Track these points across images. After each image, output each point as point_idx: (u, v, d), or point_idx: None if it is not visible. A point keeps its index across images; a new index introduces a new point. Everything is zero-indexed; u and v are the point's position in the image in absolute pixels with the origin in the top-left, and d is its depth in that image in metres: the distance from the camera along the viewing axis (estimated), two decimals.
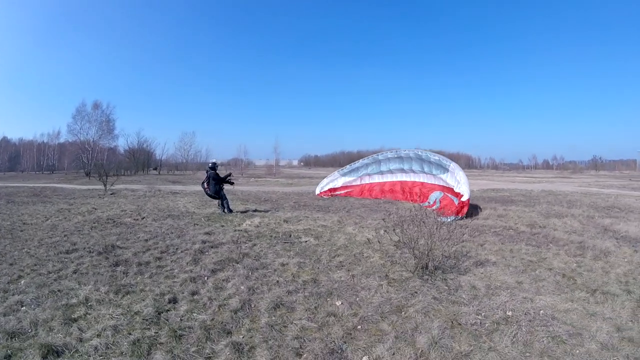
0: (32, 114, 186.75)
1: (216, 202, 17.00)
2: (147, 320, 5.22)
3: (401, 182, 23.27)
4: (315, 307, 5.75)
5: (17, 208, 18.90)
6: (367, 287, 6.63)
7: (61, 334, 4.82)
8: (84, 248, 9.59)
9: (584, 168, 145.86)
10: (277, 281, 6.92)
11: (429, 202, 19.74)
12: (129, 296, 6.16)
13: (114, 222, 13.82)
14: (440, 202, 18.86)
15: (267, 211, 16.97)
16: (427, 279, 7.07)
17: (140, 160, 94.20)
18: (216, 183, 16.51)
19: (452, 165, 19.42)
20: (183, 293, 6.26)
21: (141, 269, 7.74)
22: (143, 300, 5.94)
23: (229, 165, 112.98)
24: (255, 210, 16.97)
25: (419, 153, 21.88)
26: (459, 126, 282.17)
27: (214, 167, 17.15)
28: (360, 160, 25.17)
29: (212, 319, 5.27)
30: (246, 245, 9.96)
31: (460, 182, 17.64)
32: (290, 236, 11.24)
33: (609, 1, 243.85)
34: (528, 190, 30.53)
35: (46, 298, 6.11)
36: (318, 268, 7.92)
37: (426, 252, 7.43)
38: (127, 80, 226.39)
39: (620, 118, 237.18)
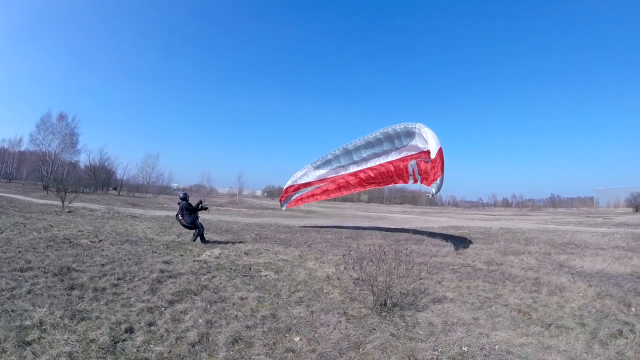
0: None
1: (190, 232, 16.91)
2: (102, 349, 5.17)
3: (377, 168, 22.54)
4: (273, 342, 5.79)
5: None
6: (326, 323, 6.70)
7: (14, 357, 4.75)
8: (39, 267, 9.38)
9: (542, 206, 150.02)
10: (236, 315, 6.91)
11: (412, 177, 20.02)
12: (84, 322, 6.07)
13: (71, 242, 13.54)
14: (418, 172, 19.18)
15: (227, 242, 16.80)
16: (386, 316, 7.20)
17: (101, 179, 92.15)
18: (190, 213, 16.41)
19: (418, 126, 19.10)
20: (140, 323, 6.20)
21: (97, 295, 7.62)
22: (99, 327, 5.86)
23: (192, 191, 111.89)
24: (215, 242, 16.79)
25: (385, 131, 21.11)
26: None
27: (185, 197, 16.92)
28: (331, 152, 23.99)
29: (169, 352, 5.26)
30: (205, 277, 9.87)
31: (427, 136, 17.64)
32: (250, 269, 11.20)
33: (564, 49, 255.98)
34: (487, 228, 31.18)
35: None
36: (277, 303, 7.94)
37: (384, 289, 7.59)
38: (95, 95, 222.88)
39: (578, 157, 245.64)
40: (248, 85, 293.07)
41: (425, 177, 18.43)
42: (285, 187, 25.07)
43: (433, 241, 19.31)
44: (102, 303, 7.14)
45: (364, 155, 22.72)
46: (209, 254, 13.11)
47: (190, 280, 9.28)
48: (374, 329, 6.51)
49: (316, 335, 6.18)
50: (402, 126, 19.91)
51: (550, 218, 59.62)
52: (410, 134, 19.70)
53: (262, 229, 24.22)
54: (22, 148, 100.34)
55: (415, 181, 20.17)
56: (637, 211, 78.15)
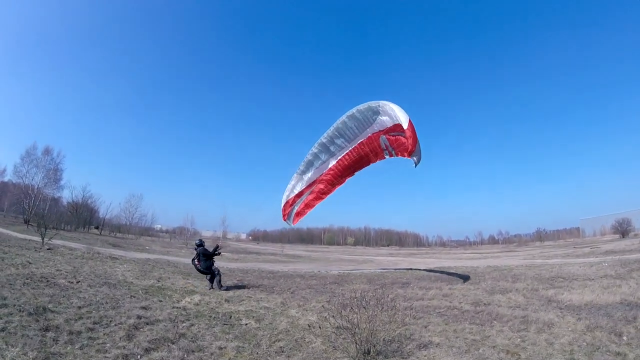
0: None
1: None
2: None
3: (353, 151, 22.23)
4: None
5: None
6: None
7: None
8: (15, 305, 9.16)
9: (528, 240, 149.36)
10: None
11: (386, 151, 20.05)
12: None
13: (48, 281, 13.24)
14: (391, 146, 19.13)
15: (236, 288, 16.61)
16: None
17: (83, 217, 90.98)
18: (207, 259, 16.91)
19: (381, 103, 19.12)
20: None
21: (72, 338, 7.46)
22: None
23: (175, 234, 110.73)
24: (234, 287, 16.54)
25: (350, 114, 20.83)
26: (405, 205, 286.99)
27: (201, 244, 17.71)
28: (310, 152, 23.44)
29: None
30: (184, 324, 9.69)
31: (394, 111, 17.66)
32: (230, 317, 11.02)
33: (540, 76, 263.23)
34: (474, 267, 30.80)
35: None
36: (257, 353, 7.83)
37: (367, 337, 7.48)
38: (80, 132, 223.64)
39: (561, 188, 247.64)
40: (234, 127, 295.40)
41: (400, 150, 18.49)
42: (282, 206, 24.58)
43: (419, 284, 19.17)
44: (76, 347, 7.00)
45: (339, 143, 22.46)
46: (189, 300, 12.93)
47: (168, 328, 9.10)
48: None
49: None
50: (365, 106, 20.01)
51: (538, 252, 59.58)
52: (375, 111, 19.77)
53: (245, 274, 24.03)
54: (6, 179, 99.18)
55: (391, 155, 20.12)
56: (623, 237, 77.35)
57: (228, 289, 16.75)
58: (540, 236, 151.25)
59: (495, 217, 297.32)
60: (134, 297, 12.74)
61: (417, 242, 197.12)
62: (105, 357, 6.67)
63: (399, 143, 18.43)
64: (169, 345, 7.79)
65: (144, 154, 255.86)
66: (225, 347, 8.02)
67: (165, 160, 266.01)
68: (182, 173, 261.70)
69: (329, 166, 23.31)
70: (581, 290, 15.04)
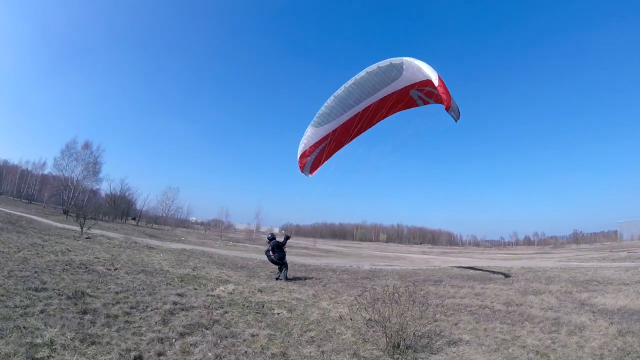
0: (20, 137, 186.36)
1: (273, 268, 18.68)
2: None
3: (375, 105, 20.83)
4: None
5: None
6: None
7: None
8: (54, 289, 9.45)
9: (564, 242, 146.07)
10: (246, 351, 6.82)
11: (419, 101, 19.53)
12: (94, 347, 6.06)
13: (87, 268, 13.59)
14: (425, 96, 18.65)
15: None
16: (398, 358, 7.03)
17: (121, 208, 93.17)
18: (280, 250, 18.52)
19: (404, 59, 17.90)
20: (149, 352, 6.17)
21: (109, 321, 7.61)
22: (108, 353, 5.85)
23: (209, 226, 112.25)
24: (295, 279, 16.71)
25: (372, 70, 19.12)
26: (440, 203, 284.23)
27: (273, 237, 19.20)
28: (323, 106, 21.80)
29: None
30: (218, 311, 9.80)
31: (420, 68, 16.83)
32: (263, 307, 11.08)
33: (585, 74, 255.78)
34: (507, 268, 29.90)
35: (10, 332, 6.05)
36: (288, 341, 7.82)
37: (398, 331, 7.44)
38: (119, 126, 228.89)
39: (599, 190, 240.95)
40: (269, 120, 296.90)
41: (435, 100, 17.94)
42: (298, 157, 23.84)
43: (452, 282, 18.93)
44: (113, 329, 7.14)
45: (357, 96, 20.90)
46: (223, 289, 13.06)
47: (202, 314, 9.20)
48: None
49: None
50: (387, 62, 18.64)
51: (573, 255, 58.18)
52: (398, 68, 18.54)
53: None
54: (46, 171, 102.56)
55: (426, 103, 19.48)
56: None
57: (290, 280, 17.59)
58: (577, 239, 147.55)
59: (531, 219, 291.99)
60: (170, 284, 12.96)
61: (451, 240, 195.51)
62: (141, 339, 6.78)
63: (433, 96, 17.93)
64: (203, 331, 7.87)
65: (182, 147, 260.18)
66: (257, 335, 8.05)
67: (202, 154, 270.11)
68: (218, 166, 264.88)
69: (347, 118, 22.15)
70: (615, 294, 14.57)
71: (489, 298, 14.41)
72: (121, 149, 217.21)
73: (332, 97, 20.95)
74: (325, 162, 23.80)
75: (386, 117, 21.55)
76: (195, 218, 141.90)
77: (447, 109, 15.16)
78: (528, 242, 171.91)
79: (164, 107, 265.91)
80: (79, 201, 71.20)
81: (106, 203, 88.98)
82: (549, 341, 8.50)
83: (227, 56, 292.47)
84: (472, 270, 27.39)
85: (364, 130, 22.32)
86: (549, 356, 7.41)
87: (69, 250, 17.46)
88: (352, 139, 22.38)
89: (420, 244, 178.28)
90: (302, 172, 24.17)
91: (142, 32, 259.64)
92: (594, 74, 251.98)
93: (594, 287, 17.25)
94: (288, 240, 19.59)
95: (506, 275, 22.90)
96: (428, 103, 19.55)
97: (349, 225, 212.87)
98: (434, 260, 44.03)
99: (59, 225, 36.28)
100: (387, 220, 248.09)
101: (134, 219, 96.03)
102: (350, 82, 19.93)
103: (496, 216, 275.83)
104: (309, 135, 22.73)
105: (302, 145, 23.22)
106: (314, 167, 24.07)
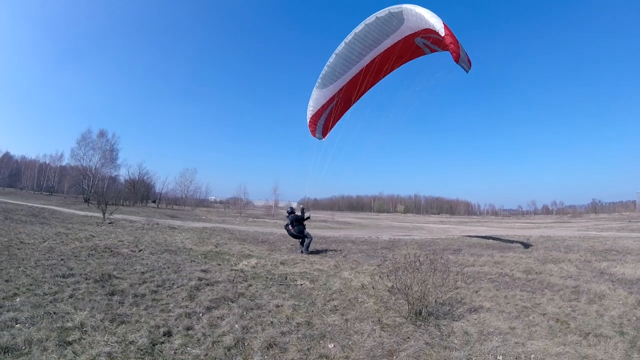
0: (36, 133, 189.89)
1: (293, 241, 18.93)
2: (141, 350, 5.27)
3: (379, 57, 19.65)
4: (307, 348, 5.78)
5: (15, 226, 19.11)
6: (360, 331, 6.64)
7: (55, 355, 4.89)
8: (81, 274, 9.64)
9: (583, 212, 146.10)
10: (271, 322, 6.94)
11: (426, 49, 18.35)
12: (124, 325, 6.20)
13: (111, 251, 13.83)
14: (432, 44, 17.65)
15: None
16: (420, 325, 7.08)
17: (140, 192, 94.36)
18: (299, 224, 18.42)
19: (404, 7, 16.52)
20: (178, 327, 6.29)
21: (137, 301, 7.78)
22: (138, 330, 5.98)
23: (228, 204, 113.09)
24: (318, 251, 16.88)
25: (370, 21, 17.96)
26: (457, 173, 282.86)
27: (292, 211, 19.20)
28: (326, 66, 20.60)
29: (206, 354, 5.32)
30: (242, 285, 9.95)
31: (422, 16, 15.52)
32: (286, 278, 11.22)
33: (607, 45, 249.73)
34: (526, 237, 29.94)
35: (41, 318, 6.21)
36: (312, 311, 7.92)
37: (419, 298, 7.49)
38: (133, 112, 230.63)
39: (618, 160, 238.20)
40: (285, 97, 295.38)
41: (445, 49, 16.07)
42: (308, 122, 23.16)
43: (471, 251, 18.92)
44: (141, 308, 7.29)
45: (359, 50, 19.63)
46: (246, 263, 13.22)
47: (227, 288, 9.36)
48: (409, 338, 6.42)
49: (350, 342, 6.14)
50: (385, 12, 17.38)
51: (592, 224, 57.96)
52: (398, 17, 17.34)
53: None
54: (63, 163, 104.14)
55: (433, 50, 18.29)
56: None
57: (312, 253, 17.59)
58: (595, 208, 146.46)
59: (550, 187, 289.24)
60: (194, 261, 13.17)
61: (469, 210, 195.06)
62: (169, 315, 6.91)
63: (441, 44, 16.58)
64: (229, 304, 8.01)
65: (195, 129, 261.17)
66: (282, 305, 8.16)
67: (216, 134, 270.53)
68: (234, 145, 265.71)
69: (352, 75, 21.04)
70: (634, 264, 14.46)
71: (508, 266, 14.43)
72: (136, 135, 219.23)
73: (333, 56, 20.08)
74: (338, 121, 23.16)
75: (393, 69, 20.65)
76: (214, 197, 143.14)
77: (456, 60, 14.24)
78: (546, 211, 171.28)
79: (174, 92, 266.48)
80: (99, 188, 72.03)
81: (126, 188, 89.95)
82: (569, 309, 8.51)
83: (237, 38, 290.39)
84: (490, 239, 27.31)
85: (371, 86, 21.48)
86: (569, 324, 7.41)
87: (93, 236, 17.76)
88: (360, 96, 21.23)
89: (438, 214, 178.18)
90: (314, 136, 23.49)
91: (145, 18, 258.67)
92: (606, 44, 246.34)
93: (613, 256, 17.25)
94: (307, 214, 19.48)
95: (525, 244, 22.85)
96: (436, 51, 18.54)
97: (366, 198, 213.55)
98: (452, 230, 43.76)
99: (81, 213, 36.83)
100: (405, 191, 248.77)
101: (154, 201, 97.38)
102: (349, 37, 19.02)
103: (514, 185, 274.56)
104: (316, 98, 22.12)
105: (311, 110, 22.64)
106: (325, 129, 23.46)
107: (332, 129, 23.62)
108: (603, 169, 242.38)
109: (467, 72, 15.47)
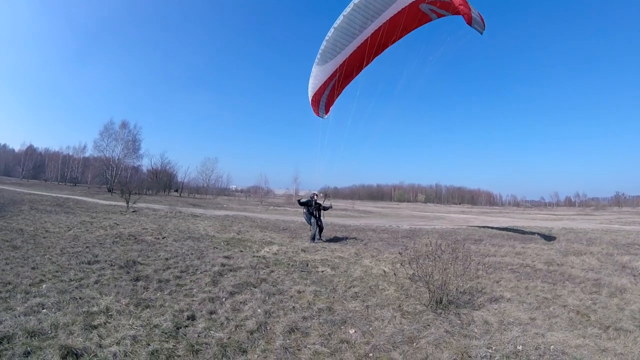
0: (59, 126, 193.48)
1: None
2: (165, 333, 5.36)
3: (381, 28, 18.28)
4: (329, 333, 5.82)
5: (41, 216, 19.48)
6: (380, 318, 6.65)
7: (81, 338, 4.99)
8: (106, 261, 9.85)
9: (606, 205, 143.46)
10: (293, 307, 6.99)
11: (433, 14, 16.91)
12: (148, 310, 6.32)
13: (135, 238, 14.06)
14: (439, 9, 16.26)
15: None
16: (441, 313, 7.07)
17: (163, 181, 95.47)
18: (314, 211, 17.90)
19: None
20: (201, 311, 6.39)
21: (161, 286, 7.92)
22: (162, 314, 6.08)
23: (249, 193, 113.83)
24: (333, 239, 16.97)
25: None
26: (479, 163, 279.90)
27: (309, 202, 18.40)
28: (325, 40, 19.32)
29: (229, 338, 5.38)
30: (264, 271, 10.06)
31: None
32: (307, 265, 11.30)
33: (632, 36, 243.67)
34: (548, 228, 29.89)
35: (67, 303, 6.36)
36: (333, 297, 7.96)
37: (441, 286, 7.48)
38: (155, 102, 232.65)
39: None
40: (305, 84, 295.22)
41: (452, 11, 15.37)
42: (310, 101, 22.42)
43: (492, 241, 18.76)
44: (165, 293, 7.42)
45: (360, 22, 18.23)
46: (268, 250, 13.33)
47: (249, 274, 9.47)
48: (429, 325, 6.41)
49: (371, 328, 6.16)
50: None
51: (615, 217, 57.02)
52: None
53: None
54: (87, 154, 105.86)
55: (441, 15, 16.90)
56: None
57: (330, 241, 17.69)
58: (619, 201, 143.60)
59: (573, 179, 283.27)
60: (217, 248, 13.35)
61: (490, 201, 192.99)
62: (193, 300, 7.02)
63: (450, 7, 15.59)
64: (251, 289, 8.10)
65: (216, 119, 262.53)
66: (303, 291, 8.22)
67: (237, 124, 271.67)
68: (254, 135, 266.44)
69: (354, 48, 19.61)
70: None
71: (529, 257, 14.31)
72: (157, 125, 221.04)
73: (331, 30, 18.77)
74: (339, 96, 22.25)
75: (397, 40, 19.19)
76: (235, 186, 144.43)
77: (469, 22, 13.22)
78: (569, 202, 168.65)
79: (194, 82, 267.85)
80: (122, 178, 73.05)
81: (148, 178, 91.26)
82: (590, 302, 8.41)
83: (256, 27, 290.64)
84: (512, 231, 27.03)
85: (374, 58, 20.05)
86: (590, 316, 7.32)
87: (117, 224, 18.04)
88: (362, 69, 20.36)
89: (459, 204, 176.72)
90: (317, 115, 22.84)
91: (166, 8, 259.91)
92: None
93: (636, 250, 17.01)
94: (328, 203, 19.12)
95: (547, 236, 22.60)
96: (444, 15, 17.10)
97: (386, 187, 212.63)
98: (473, 220, 43.32)
99: (105, 202, 37.31)
100: (425, 180, 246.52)
101: (176, 190, 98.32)
102: (348, 8, 17.67)
103: (537, 176, 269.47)
104: (316, 75, 21.10)
105: (312, 88, 21.75)
106: (327, 107, 22.75)
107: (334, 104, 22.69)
108: (627, 161, 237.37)
109: (481, 33, 14.51)
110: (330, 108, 22.48)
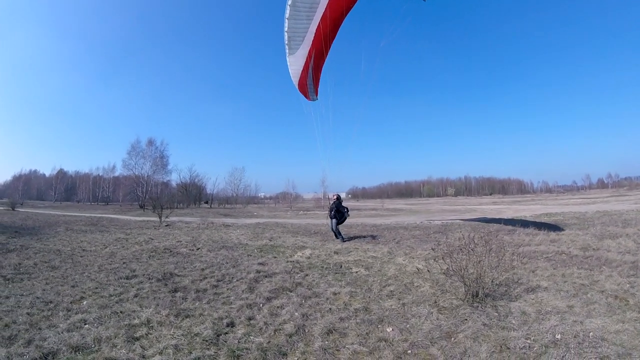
0: (88, 148, 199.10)
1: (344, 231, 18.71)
2: (206, 341, 5.47)
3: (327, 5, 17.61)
4: (366, 332, 5.84)
5: (76, 236, 19.89)
6: (417, 315, 6.65)
7: (124, 350, 5.13)
8: (143, 275, 10.05)
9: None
10: (330, 309, 7.03)
11: None
12: (188, 319, 6.44)
13: (171, 251, 14.31)
14: None
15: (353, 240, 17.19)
16: (477, 306, 7.01)
17: (193, 194, 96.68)
18: (337, 213, 18.34)
19: None
20: (240, 318, 6.48)
21: (199, 296, 8.05)
22: (202, 323, 6.20)
23: (278, 199, 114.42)
24: (352, 238, 17.06)
25: None
26: (507, 150, 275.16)
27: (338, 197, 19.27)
28: (285, 31, 18.69)
29: (268, 342, 5.46)
30: (299, 275, 10.11)
31: None
32: (341, 267, 11.30)
33: None
34: (582, 213, 29.38)
35: (108, 318, 6.52)
36: (369, 297, 7.96)
37: (476, 280, 7.43)
38: (179, 117, 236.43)
39: None
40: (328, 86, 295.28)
41: None
42: (297, 86, 21.97)
43: (525, 230, 18.47)
44: (204, 302, 7.54)
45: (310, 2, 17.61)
46: (301, 254, 13.42)
47: (285, 279, 9.54)
48: (466, 319, 6.37)
49: (408, 325, 6.16)
50: None
51: None
52: None
53: (350, 229, 24.19)
54: (116, 173, 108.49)
55: None
56: None
57: (353, 238, 18.05)
58: None
59: (604, 159, 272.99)
60: (251, 255, 13.46)
61: (521, 189, 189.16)
62: (231, 307, 7.13)
63: None
64: (287, 294, 8.17)
65: (240, 127, 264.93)
66: (339, 293, 8.25)
67: (262, 131, 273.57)
68: (280, 139, 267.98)
69: (315, 26, 18.78)
70: None
71: (565, 244, 14.02)
72: (183, 139, 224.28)
73: (285, 21, 18.27)
74: (319, 78, 22.02)
75: (349, 11, 18.63)
76: (263, 194, 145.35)
77: None
78: (602, 184, 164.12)
79: (215, 94, 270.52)
80: (153, 194, 74.18)
81: (178, 192, 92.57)
82: (628, 285, 8.21)
83: (278, 33, 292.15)
84: (545, 217, 26.58)
85: (337, 30, 19.15)
86: (628, 300, 7.17)
87: (152, 239, 18.36)
88: (331, 44, 20.13)
89: (490, 194, 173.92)
90: (308, 99, 22.65)
91: (182, 22, 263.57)
92: None
93: None
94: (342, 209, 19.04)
95: (581, 221, 22.17)
96: None
97: (414, 183, 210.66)
98: (505, 210, 42.58)
99: (138, 219, 37.90)
100: (454, 173, 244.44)
101: (206, 202, 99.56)
102: None
103: (567, 160, 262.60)
104: (292, 63, 20.71)
105: (294, 75, 21.40)
106: (315, 88, 22.52)
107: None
108: None
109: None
110: (318, 89, 22.15)
